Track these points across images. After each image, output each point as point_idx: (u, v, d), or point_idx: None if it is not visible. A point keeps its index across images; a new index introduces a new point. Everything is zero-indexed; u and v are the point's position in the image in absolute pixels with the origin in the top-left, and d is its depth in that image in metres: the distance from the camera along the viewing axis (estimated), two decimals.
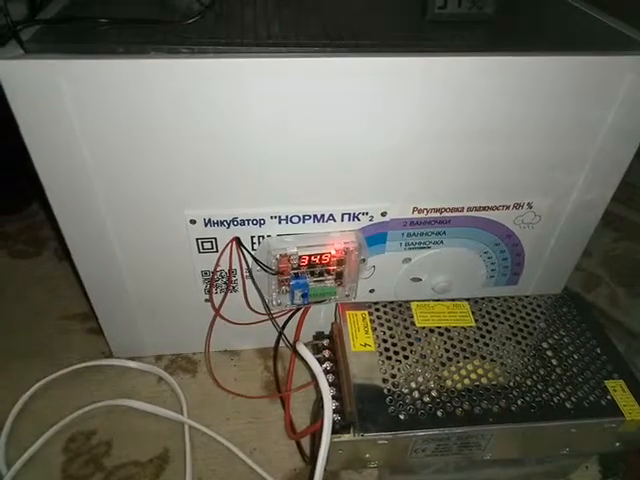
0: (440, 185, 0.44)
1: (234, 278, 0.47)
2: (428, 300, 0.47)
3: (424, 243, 0.48)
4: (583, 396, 0.39)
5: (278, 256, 0.43)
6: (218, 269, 0.46)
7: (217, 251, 0.45)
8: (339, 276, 0.47)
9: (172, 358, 0.54)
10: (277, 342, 0.50)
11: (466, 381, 0.40)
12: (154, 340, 0.53)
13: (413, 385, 0.39)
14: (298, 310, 0.50)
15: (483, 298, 0.47)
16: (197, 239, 0.44)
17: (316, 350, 0.45)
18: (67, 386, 0.50)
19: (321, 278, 0.46)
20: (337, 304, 0.47)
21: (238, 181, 0.41)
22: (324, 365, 0.42)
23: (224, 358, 0.54)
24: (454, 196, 0.44)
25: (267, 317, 0.48)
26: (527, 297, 0.47)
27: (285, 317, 0.50)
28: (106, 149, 0.37)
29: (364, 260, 0.47)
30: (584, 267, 0.68)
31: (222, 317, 0.47)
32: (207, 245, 0.44)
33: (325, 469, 0.39)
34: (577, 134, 0.42)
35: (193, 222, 0.42)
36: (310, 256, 0.44)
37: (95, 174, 0.38)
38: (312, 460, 0.40)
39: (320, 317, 0.51)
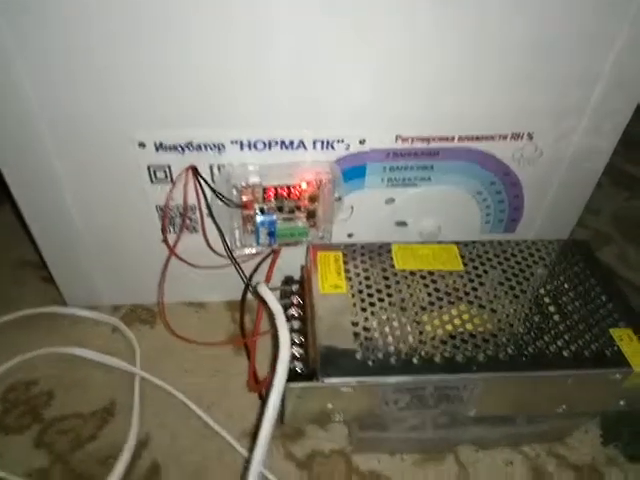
0: (427, 108, 0.38)
1: (193, 215, 0.42)
2: (412, 242, 0.42)
3: (409, 180, 0.42)
4: (584, 345, 0.33)
5: (240, 186, 0.38)
6: (173, 203, 0.41)
7: (172, 182, 0.40)
8: (311, 215, 0.42)
9: (131, 308, 0.49)
10: (245, 291, 0.45)
11: (448, 327, 0.34)
12: (111, 289, 0.48)
13: (387, 330, 0.34)
14: (268, 257, 0.45)
15: (475, 241, 0.42)
16: (149, 167, 0.39)
17: (284, 295, 0.40)
18: (12, 334, 0.46)
19: (291, 216, 0.41)
20: (308, 245, 0.42)
21: (192, 96, 0.35)
22: (290, 311, 0.37)
23: (188, 310, 0.50)
24: (443, 122, 0.39)
25: (232, 263, 0.43)
26: (525, 241, 0.42)
27: (254, 264, 0.45)
28: (43, 65, 0.33)
29: (340, 198, 0.42)
30: (592, 225, 0.62)
31: (178, 257, 0.42)
32: (160, 174, 0.39)
33: (282, 422, 0.34)
34: (585, 51, 0.36)
35: (142, 146, 0.37)
36: (277, 188, 0.39)
37: (33, 93, 0.34)
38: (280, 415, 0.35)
39: (293, 265, 0.46)
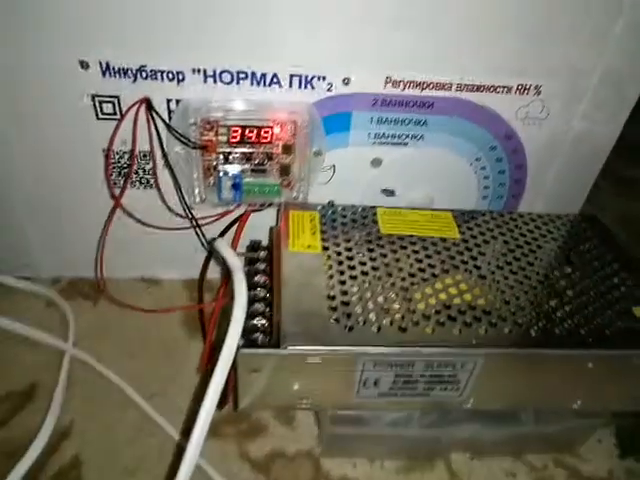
0: (421, 46, 0.32)
1: (147, 166, 0.36)
2: (400, 207, 0.36)
3: (399, 137, 0.37)
4: (604, 323, 0.28)
5: (199, 121, 0.32)
6: (122, 147, 0.34)
7: (122, 117, 0.34)
8: (285, 171, 0.36)
9: (72, 281, 0.42)
10: (207, 257, 0.38)
11: (442, 295, 0.28)
12: (50, 258, 0.41)
13: (368, 295, 0.28)
14: (234, 223, 0.39)
15: (473, 211, 0.36)
16: (93, 97, 0.33)
17: (249, 263, 0.33)
18: None
19: (262, 168, 0.35)
20: (281, 204, 0.36)
21: (147, 9, 0.30)
22: (256, 278, 0.31)
23: (138, 286, 0.43)
24: (439, 64, 0.33)
25: (190, 223, 0.37)
26: (529, 214, 0.36)
27: (216, 231, 0.38)
28: None
29: (320, 153, 0.36)
30: None
31: (124, 209, 0.36)
32: (107, 108, 0.33)
33: (236, 408, 0.27)
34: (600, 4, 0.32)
35: (85, 66, 0.31)
36: (244, 129, 0.33)
37: None
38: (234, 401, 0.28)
39: (263, 235, 0.40)
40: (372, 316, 0.27)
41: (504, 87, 0.35)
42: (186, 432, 0.32)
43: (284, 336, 0.25)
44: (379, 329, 0.26)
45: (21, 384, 0.34)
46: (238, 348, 0.24)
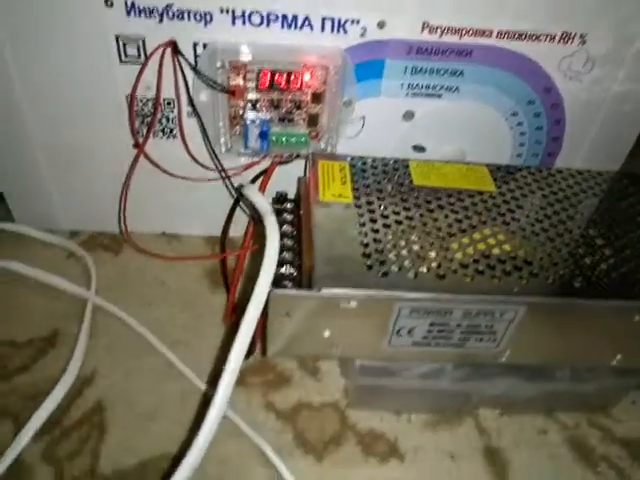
0: None
1: (171, 114, 0.35)
2: (433, 160, 0.35)
3: (434, 88, 0.35)
4: None
5: (227, 64, 0.31)
6: (146, 93, 0.33)
7: (145, 61, 0.32)
8: (313, 121, 0.34)
9: (93, 235, 0.42)
10: (233, 205, 0.37)
11: (480, 245, 0.27)
12: (71, 210, 0.41)
13: (402, 244, 0.27)
14: (260, 175, 0.37)
15: (509, 165, 0.35)
16: (117, 37, 0.31)
17: (275, 214, 0.32)
18: None
19: (290, 116, 0.34)
20: (309, 155, 0.35)
21: None
22: (283, 228, 0.30)
23: (159, 241, 0.42)
24: (481, 10, 0.31)
25: (217, 175, 0.36)
26: (568, 169, 0.35)
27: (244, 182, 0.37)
28: None
29: (350, 102, 0.35)
30: None
31: (147, 157, 0.35)
32: (132, 50, 0.32)
33: (264, 354, 0.26)
34: None
35: (109, 4, 0.30)
36: (274, 74, 0.32)
37: None
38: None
39: (290, 189, 0.38)
40: (408, 263, 0.26)
41: (547, 35, 0.33)
42: (209, 380, 0.32)
43: (318, 279, 0.24)
44: (416, 275, 0.25)
45: (43, 331, 0.34)
46: (270, 290, 0.23)
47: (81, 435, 0.28)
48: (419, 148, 0.38)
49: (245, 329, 0.23)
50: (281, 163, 0.37)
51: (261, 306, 0.23)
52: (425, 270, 0.25)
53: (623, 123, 0.38)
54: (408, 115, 0.36)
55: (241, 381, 0.32)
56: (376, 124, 0.36)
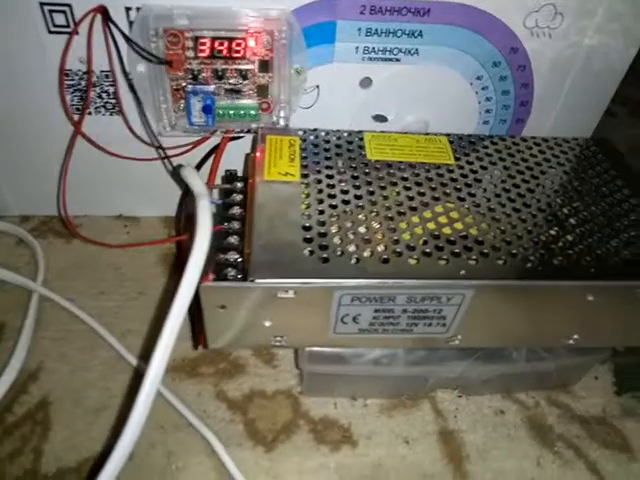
0: None
1: (110, 89, 0.32)
2: (390, 132, 0.33)
3: (391, 51, 0.33)
4: (609, 252, 0.25)
5: (161, 31, 0.28)
6: (80, 66, 0.31)
7: (74, 30, 0.30)
8: (262, 92, 0.32)
9: (44, 220, 0.40)
10: (183, 195, 0.35)
11: (430, 225, 0.26)
12: (19, 195, 0.39)
13: (348, 225, 0.25)
14: (211, 153, 0.35)
15: (471, 135, 0.33)
16: (42, 4, 0.28)
17: (224, 195, 0.31)
18: None
19: (236, 87, 0.32)
20: (257, 129, 0.32)
21: None
22: (232, 211, 0.28)
23: (115, 224, 0.40)
24: None
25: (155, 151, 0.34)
26: (533, 138, 0.33)
27: (195, 160, 0.35)
28: None
29: (301, 71, 0.32)
30: None
31: (84, 136, 0.33)
32: (59, 19, 0.29)
33: (205, 345, 0.25)
34: None
35: None
36: (214, 41, 0.29)
37: None
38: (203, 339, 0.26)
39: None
40: (351, 247, 0.24)
41: None
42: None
43: (252, 269, 0.23)
44: (358, 261, 0.23)
45: None
46: (199, 282, 0.22)
47: (24, 433, 0.27)
48: (380, 118, 0.36)
49: (170, 325, 0.21)
50: (233, 139, 0.35)
51: (188, 298, 0.21)
52: (369, 254, 0.24)
53: (594, 85, 0.36)
54: (365, 82, 0.34)
55: (193, 372, 0.31)
56: (332, 93, 0.34)
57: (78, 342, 0.32)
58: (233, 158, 0.35)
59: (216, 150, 0.35)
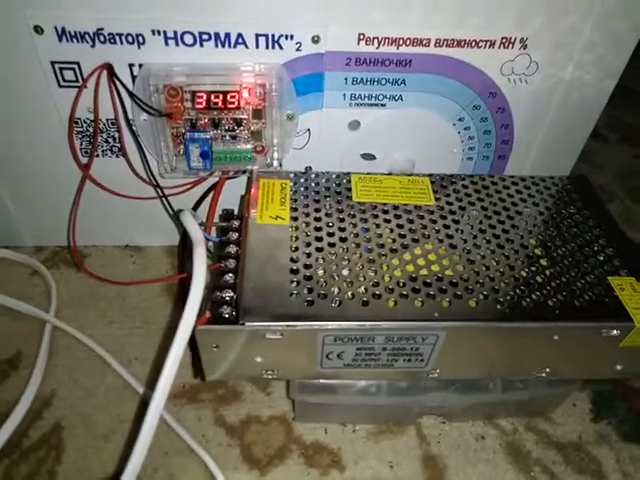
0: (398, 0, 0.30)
1: (116, 134, 0.35)
2: (376, 174, 0.35)
3: (377, 97, 0.35)
4: (575, 294, 0.27)
5: (161, 87, 0.31)
6: (89, 115, 0.33)
7: (84, 84, 0.32)
8: (257, 137, 0.35)
9: (56, 250, 0.43)
10: (183, 235, 0.38)
11: (409, 267, 0.28)
12: (34, 227, 0.42)
13: (333, 268, 0.27)
14: (210, 191, 0.38)
15: (452, 175, 0.35)
16: (53, 63, 0.31)
17: (221, 233, 0.33)
18: None
19: (232, 134, 0.34)
20: (251, 172, 0.35)
21: None
22: (228, 249, 0.31)
23: (122, 254, 0.43)
24: (418, 20, 0.31)
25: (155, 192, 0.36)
26: (512, 177, 0.35)
27: (194, 198, 0.38)
28: None
29: (292, 116, 0.35)
30: (597, 182, 0.55)
31: (92, 180, 0.35)
32: (69, 75, 0.32)
33: (203, 378, 0.28)
34: None
35: (40, 31, 0.30)
36: (210, 94, 0.32)
37: None
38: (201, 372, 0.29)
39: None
40: (334, 289, 0.26)
41: (487, 41, 0.32)
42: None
43: (243, 312, 0.25)
44: (340, 303, 0.26)
45: (6, 353, 0.35)
46: (194, 326, 0.24)
47: (39, 457, 0.30)
48: (369, 156, 0.38)
49: (170, 365, 0.24)
50: (229, 178, 0.37)
51: (185, 341, 0.24)
52: (350, 297, 0.26)
53: (572, 123, 0.38)
54: (353, 125, 0.36)
55: (193, 398, 0.33)
56: (322, 135, 0.36)
57: (88, 369, 0.34)
58: (230, 195, 0.37)
59: (214, 189, 0.37)
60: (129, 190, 0.37)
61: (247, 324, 0.24)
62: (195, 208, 0.38)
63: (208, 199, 0.38)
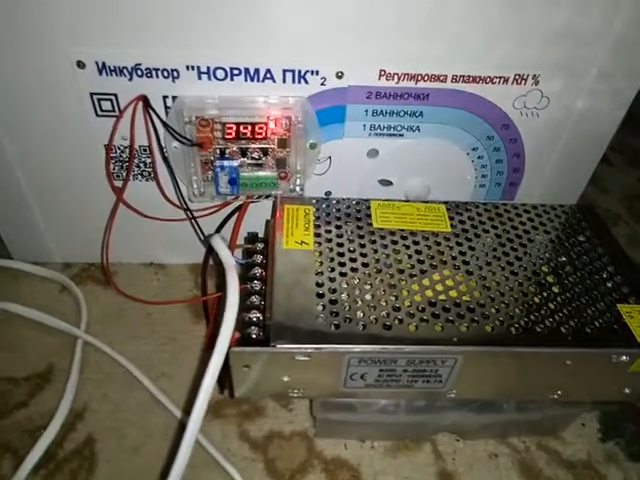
0: (415, 38, 0.32)
1: (148, 160, 0.37)
2: (394, 200, 0.36)
3: (395, 128, 0.37)
4: (586, 321, 0.28)
5: (194, 119, 0.33)
6: (122, 142, 0.35)
7: (120, 114, 0.34)
8: (281, 164, 0.36)
9: (84, 267, 0.44)
10: (207, 252, 0.40)
11: (428, 293, 0.29)
12: (62, 244, 0.43)
13: (356, 293, 0.29)
14: (234, 213, 0.40)
15: (467, 202, 0.37)
16: (92, 95, 0.33)
17: (247, 255, 0.35)
18: None
19: (257, 162, 0.36)
20: (276, 197, 0.37)
21: (137, 4, 0.30)
22: (253, 271, 0.32)
23: (147, 271, 0.45)
24: (436, 57, 0.33)
25: (185, 215, 0.38)
26: (524, 205, 0.37)
27: (219, 221, 0.40)
28: None
29: (315, 145, 0.37)
30: (602, 204, 0.57)
31: (125, 203, 0.37)
32: (106, 105, 0.34)
33: (232, 396, 0.29)
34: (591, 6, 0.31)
35: (82, 66, 0.32)
36: (239, 125, 0.34)
37: None
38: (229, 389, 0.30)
39: (263, 224, 0.41)
40: (359, 314, 0.28)
41: (501, 77, 0.34)
42: (188, 411, 0.34)
43: (274, 335, 0.27)
44: (364, 327, 0.27)
45: (39, 367, 0.37)
46: (230, 347, 0.26)
47: (73, 468, 0.31)
48: (386, 182, 0.40)
49: (204, 393, 0.25)
50: (253, 202, 0.39)
51: (220, 363, 0.25)
52: (373, 320, 0.28)
53: (581, 152, 0.40)
54: (372, 153, 0.38)
55: (218, 413, 0.34)
56: (342, 162, 0.38)
57: (117, 384, 0.36)
58: (252, 217, 0.39)
59: (238, 212, 0.39)
60: (157, 212, 0.39)
61: (278, 346, 0.26)
62: (219, 229, 0.40)
63: (231, 220, 0.40)
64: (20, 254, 0.44)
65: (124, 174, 0.38)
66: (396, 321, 0.28)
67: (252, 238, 0.35)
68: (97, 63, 0.32)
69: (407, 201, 0.36)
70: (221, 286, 0.35)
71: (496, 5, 0.31)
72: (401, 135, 0.37)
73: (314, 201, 0.36)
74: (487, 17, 0.32)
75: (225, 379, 0.30)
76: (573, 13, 0.32)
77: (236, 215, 0.39)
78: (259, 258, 0.34)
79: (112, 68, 0.32)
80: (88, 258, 0.45)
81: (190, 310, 0.42)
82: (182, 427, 0.33)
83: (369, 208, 0.35)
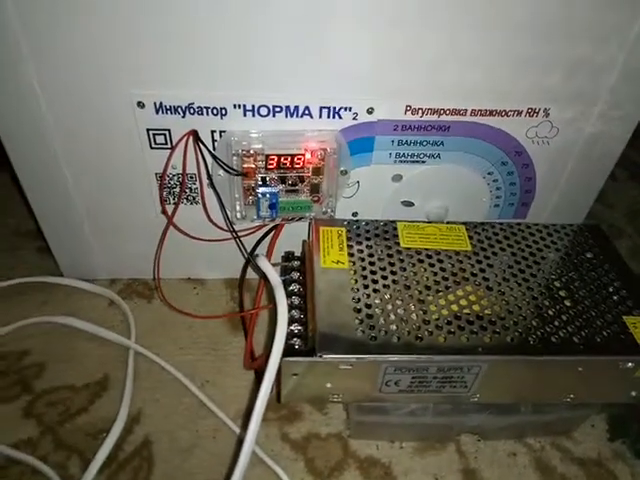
0: (438, 78, 0.36)
1: (193, 185, 0.41)
2: (418, 221, 0.40)
3: (418, 156, 0.40)
4: (595, 331, 0.32)
5: (240, 152, 0.37)
6: (172, 171, 0.39)
7: (172, 147, 0.38)
8: (315, 189, 0.40)
9: (128, 282, 0.48)
10: (245, 264, 0.43)
11: (454, 307, 0.33)
12: (108, 262, 0.47)
13: (389, 308, 0.33)
14: (270, 232, 0.43)
15: (484, 222, 0.40)
16: (148, 130, 0.37)
17: (284, 271, 0.38)
18: (5, 303, 0.45)
19: (294, 188, 0.40)
20: (311, 220, 0.40)
21: (193, 55, 0.34)
22: (291, 287, 0.36)
23: (186, 286, 0.48)
24: (455, 94, 0.37)
25: (231, 235, 0.42)
26: (536, 225, 0.40)
27: (255, 239, 0.43)
28: (36, 17, 0.31)
29: (346, 172, 0.40)
30: (606, 218, 0.60)
31: (176, 227, 0.41)
32: (160, 139, 0.38)
33: (279, 401, 0.33)
34: (606, 32, 0.35)
35: (141, 105, 0.36)
36: (280, 157, 0.37)
37: (29, 53, 0.33)
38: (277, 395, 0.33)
39: (296, 242, 0.44)
40: (393, 327, 0.31)
41: (515, 111, 0.38)
42: (235, 416, 0.38)
43: (319, 346, 0.30)
44: (399, 339, 0.31)
45: (95, 376, 0.40)
46: (281, 358, 0.29)
47: (134, 466, 0.35)
48: (408, 203, 0.44)
49: (261, 400, 0.29)
50: (288, 222, 0.43)
51: (274, 373, 0.29)
52: (407, 333, 0.31)
53: (589, 172, 0.43)
54: (396, 178, 0.42)
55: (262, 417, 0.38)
56: (369, 186, 0.42)
57: (167, 390, 0.40)
58: (289, 236, 0.43)
59: (274, 231, 0.43)
60: (200, 233, 0.43)
61: (325, 356, 0.30)
62: (254, 248, 0.43)
63: (266, 239, 0.43)
64: (69, 271, 0.48)
65: (171, 199, 0.41)
66: (426, 333, 0.31)
67: (289, 256, 0.39)
68: (155, 103, 0.36)
69: (429, 222, 0.40)
70: (256, 300, 0.39)
71: (528, 38, 0.34)
72: (423, 162, 0.41)
73: (345, 222, 0.39)
74: (503, 61, 0.35)
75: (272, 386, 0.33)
76: (591, 44, 0.35)
77: (271, 235, 0.43)
78: (296, 275, 0.37)
79: (168, 107, 0.36)
80: (132, 274, 0.48)
81: (228, 323, 0.45)
82: (229, 430, 0.37)
83: (396, 229, 0.39)
